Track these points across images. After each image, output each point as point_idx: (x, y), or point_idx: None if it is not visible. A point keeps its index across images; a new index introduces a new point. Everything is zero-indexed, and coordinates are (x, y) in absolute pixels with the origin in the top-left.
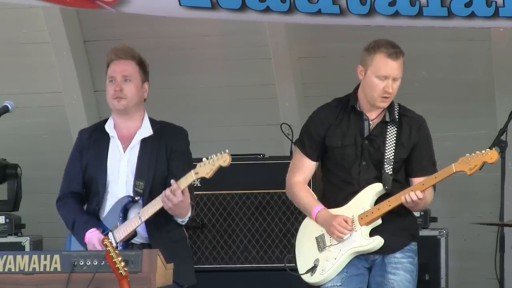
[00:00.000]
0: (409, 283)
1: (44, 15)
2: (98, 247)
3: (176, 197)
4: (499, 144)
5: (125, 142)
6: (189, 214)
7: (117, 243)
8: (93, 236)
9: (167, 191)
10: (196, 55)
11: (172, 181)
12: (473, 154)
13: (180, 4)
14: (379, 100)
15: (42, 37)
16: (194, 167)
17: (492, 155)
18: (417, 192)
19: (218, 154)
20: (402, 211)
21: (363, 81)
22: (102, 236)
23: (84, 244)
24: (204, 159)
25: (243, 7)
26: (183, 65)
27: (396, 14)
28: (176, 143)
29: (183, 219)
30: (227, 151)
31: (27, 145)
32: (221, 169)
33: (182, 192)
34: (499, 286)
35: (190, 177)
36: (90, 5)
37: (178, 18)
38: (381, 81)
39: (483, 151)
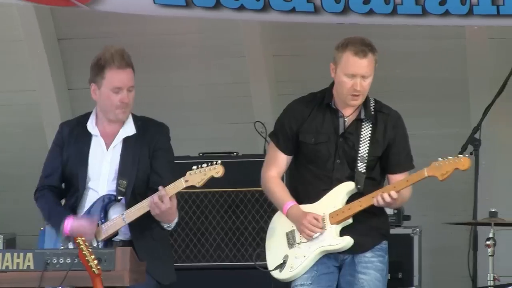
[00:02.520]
0: (379, 282)
1: (19, 13)
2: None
3: (164, 203)
4: (472, 142)
5: (108, 139)
6: (176, 219)
7: (98, 242)
8: (77, 222)
9: (155, 198)
10: (170, 53)
11: (160, 187)
12: (445, 159)
13: (154, 2)
14: (349, 98)
15: (16, 35)
16: (184, 173)
17: (465, 162)
18: (391, 193)
19: (210, 164)
20: (374, 210)
21: (334, 79)
22: (92, 223)
23: (61, 234)
24: (194, 167)
25: (218, 5)
26: (156, 63)
27: (371, 12)
28: (159, 141)
29: (169, 225)
30: (219, 162)
31: (0, 143)
32: (212, 179)
33: (170, 198)
34: (472, 284)
35: (179, 184)
36: (64, 3)
37: (152, 16)
38: (349, 79)
39: (456, 157)
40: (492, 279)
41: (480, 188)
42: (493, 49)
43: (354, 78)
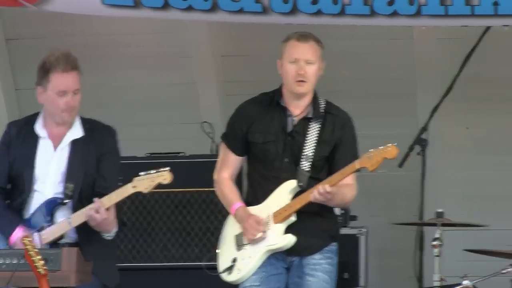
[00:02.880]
0: (327, 284)
1: None
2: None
3: (100, 215)
4: (420, 142)
5: (56, 141)
6: (115, 229)
7: (42, 245)
8: (19, 236)
9: (90, 211)
10: (117, 53)
11: (96, 199)
12: (375, 150)
13: (102, 3)
14: (295, 85)
15: None
16: (132, 175)
17: (392, 151)
18: (325, 186)
19: (158, 171)
20: (322, 211)
21: (282, 74)
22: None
23: (7, 240)
24: (142, 173)
25: (166, 5)
26: (104, 63)
27: (319, 13)
28: (106, 144)
29: (109, 234)
30: (168, 168)
31: None
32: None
33: (108, 209)
34: (418, 284)
35: (125, 191)
36: (12, 3)
37: (100, 16)
38: (293, 65)
39: (384, 147)
40: (438, 279)
41: (427, 189)
42: (441, 50)
43: (298, 63)
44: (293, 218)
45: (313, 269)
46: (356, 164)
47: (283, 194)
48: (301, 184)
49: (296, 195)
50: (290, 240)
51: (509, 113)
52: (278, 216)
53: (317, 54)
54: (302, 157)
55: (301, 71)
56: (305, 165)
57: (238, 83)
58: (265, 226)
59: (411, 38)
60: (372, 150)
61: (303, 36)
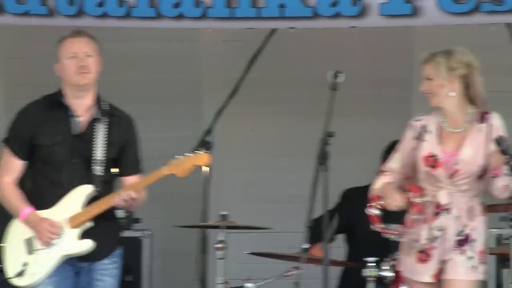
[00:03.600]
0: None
1: None
2: None
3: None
4: (204, 145)
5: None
6: None
7: None
8: None
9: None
10: None
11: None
12: (185, 156)
13: None
14: (78, 77)
15: None
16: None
17: (205, 158)
18: (131, 193)
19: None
20: (108, 215)
21: (61, 75)
22: None
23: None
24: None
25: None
26: None
27: (105, 15)
28: None
29: None
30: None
31: None
32: None
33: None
34: (202, 286)
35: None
36: None
37: None
38: (73, 59)
39: (195, 154)
40: (221, 282)
41: (211, 191)
42: (226, 52)
43: (77, 57)
44: (89, 224)
45: (102, 274)
46: (164, 170)
47: (78, 199)
48: (98, 189)
49: (91, 199)
50: (88, 245)
51: (293, 115)
52: (75, 221)
53: (94, 48)
54: (93, 160)
55: (82, 63)
56: (97, 169)
57: (22, 86)
58: (60, 230)
59: (197, 40)
60: (179, 156)
61: (77, 32)
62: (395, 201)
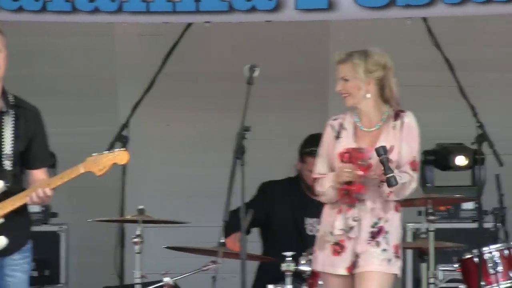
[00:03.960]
0: (26, 283)
1: None
2: None
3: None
4: (120, 139)
5: None
6: None
7: None
8: None
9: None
10: None
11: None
12: (102, 154)
13: None
14: None
15: None
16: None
17: (123, 156)
18: (46, 190)
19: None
20: (20, 210)
21: None
22: None
23: None
24: (94, 154)
25: None
26: None
27: (20, 9)
28: None
29: None
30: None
31: None
32: None
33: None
34: (119, 281)
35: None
36: None
37: None
38: None
39: (113, 152)
40: (139, 276)
41: (128, 186)
42: (142, 46)
43: None
44: (1, 220)
45: (13, 269)
46: (80, 168)
47: None
48: (8, 184)
49: (1, 195)
50: (2, 241)
51: (210, 109)
52: None
53: (3, 43)
54: (2, 155)
55: None
56: (7, 163)
57: None
58: None
59: (113, 34)
60: (96, 154)
61: None
62: (347, 169)
